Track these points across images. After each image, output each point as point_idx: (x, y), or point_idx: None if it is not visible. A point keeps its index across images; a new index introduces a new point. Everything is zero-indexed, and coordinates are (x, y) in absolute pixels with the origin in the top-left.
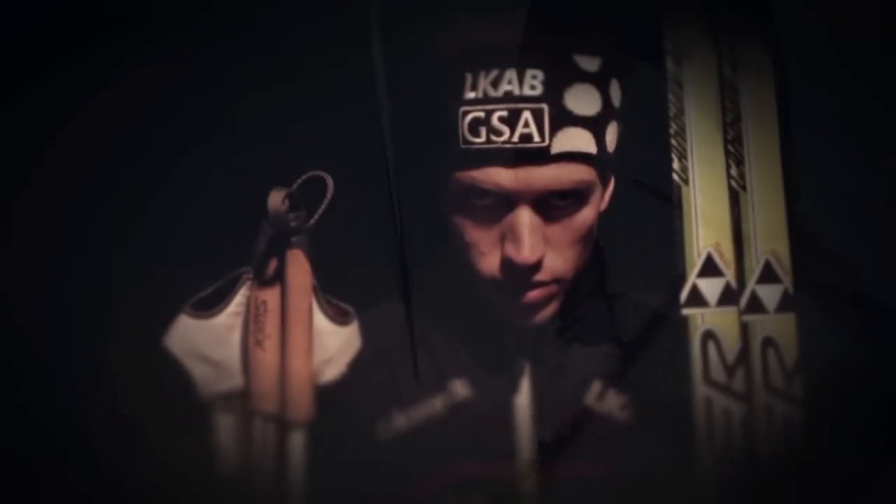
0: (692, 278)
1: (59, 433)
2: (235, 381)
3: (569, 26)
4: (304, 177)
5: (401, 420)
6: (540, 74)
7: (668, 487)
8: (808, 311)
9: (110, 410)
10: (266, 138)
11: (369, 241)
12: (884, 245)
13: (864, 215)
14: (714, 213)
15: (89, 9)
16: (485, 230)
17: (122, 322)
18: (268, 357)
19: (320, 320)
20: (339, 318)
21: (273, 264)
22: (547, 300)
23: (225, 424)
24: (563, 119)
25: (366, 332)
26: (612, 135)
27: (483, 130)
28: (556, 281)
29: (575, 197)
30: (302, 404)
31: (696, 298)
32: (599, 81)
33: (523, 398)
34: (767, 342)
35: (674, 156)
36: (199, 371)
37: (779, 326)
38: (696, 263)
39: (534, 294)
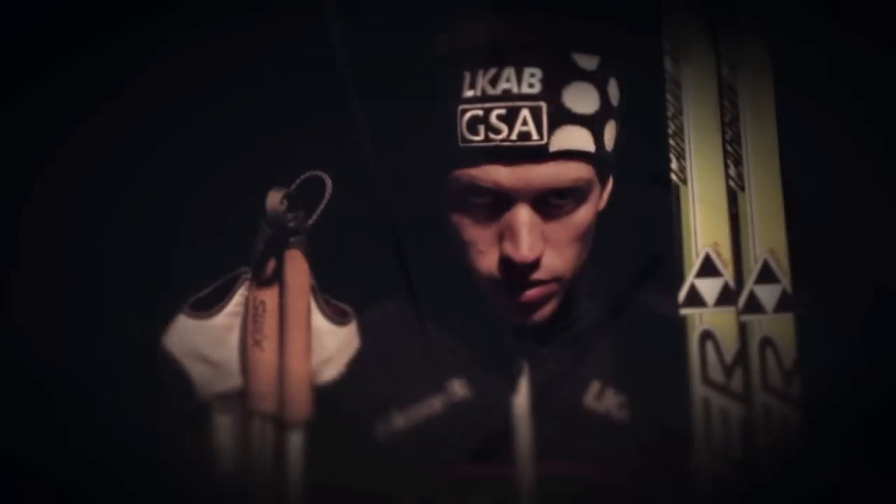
0: (690, 278)
1: (59, 433)
2: (234, 381)
3: (567, 25)
4: (302, 177)
5: (399, 420)
6: (538, 73)
7: (666, 487)
8: (808, 310)
9: (109, 410)
10: (265, 138)
11: (367, 241)
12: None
13: (859, 211)
14: (712, 213)
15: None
16: (483, 229)
17: (120, 322)
18: (266, 357)
19: (319, 320)
20: (338, 318)
21: (272, 264)
22: (545, 299)
23: (223, 424)
24: (561, 117)
25: (364, 332)
26: (610, 133)
27: (481, 129)
28: (555, 279)
29: (573, 195)
30: (300, 404)
31: (695, 298)
32: (598, 80)
33: (522, 398)
34: (766, 342)
35: (672, 156)
36: (197, 371)
37: (777, 326)
38: (694, 263)
39: (532, 293)
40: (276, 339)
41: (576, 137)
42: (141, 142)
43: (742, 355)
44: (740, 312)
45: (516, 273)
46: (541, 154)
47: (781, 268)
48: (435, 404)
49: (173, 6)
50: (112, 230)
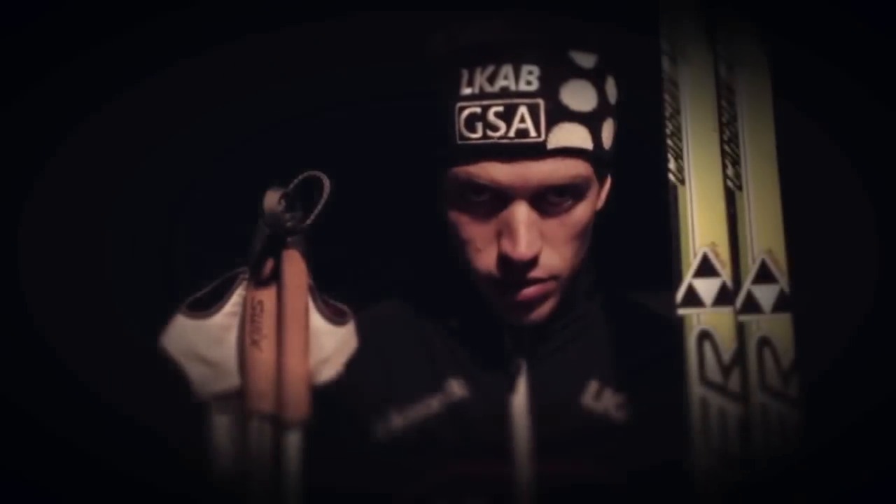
0: (688, 278)
1: (57, 432)
2: (232, 381)
3: (565, 24)
4: (300, 177)
5: (397, 420)
6: (536, 70)
7: (663, 487)
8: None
9: (108, 410)
10: (263, 138)
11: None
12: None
13: (856, 210)
14: (710, 213)
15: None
16: (481, 227)
17: (119, 321)
18: (264, 357)
19: (317, 320)
20: (336, 318)
21: (269, 264)
22: (543, 297)
23: (221, 424)
24: (559, 114)
25: (362, 332)
26: (608, 132)
27: (479, 126)
28: (553, 278)
29: (571, 193)
30: (298, 404)
31: (692, 298)
32: (595, 78)
33: (520, 397)
34: (763, 342)
35: (670, 156)
36: (195, 371)
37: (775, 326)
38: (691, 263)
39: (530, 291)
40: (273, 339)
41: (574, 135)
42: (140, 141)
43: (740, 355)
44: (738, 312)
45: (514, 271)
46: (539, 151)
47: (779, 268)
48: (433, 404)
49: (173, 6)
50: (111, 230)
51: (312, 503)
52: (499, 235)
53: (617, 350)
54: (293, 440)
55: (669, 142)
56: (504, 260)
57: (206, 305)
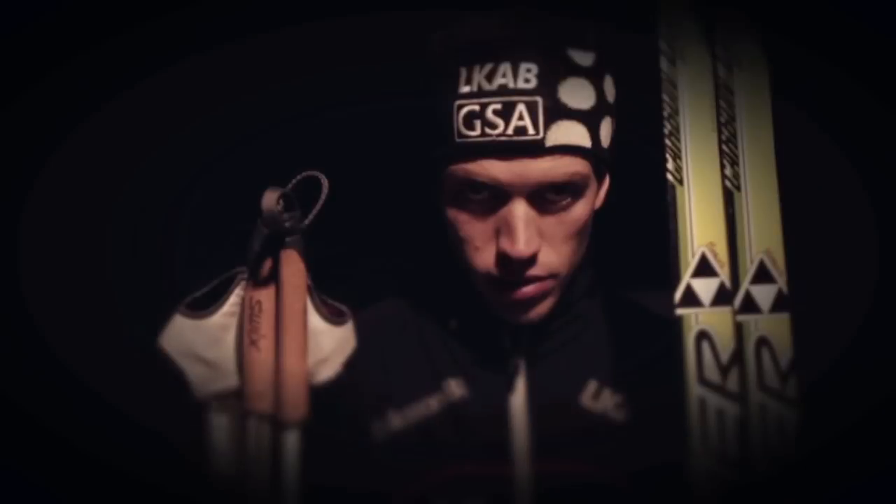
0: (686, 278)
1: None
2: (230, 381)
3: (563, 23)
4: (298, 177)
5: (396, 420)
6: (534, 68)
7: (661, 487)
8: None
9: (107, 409)
10: (262, 138)
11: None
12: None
13: (855, 210)
14: (708, 213)
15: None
16: (479, 225)
17: (118, 321)
18: (263, 357)
19: (315, 320)
20: (334, 318)
21: (268, 264)
22: (542, 296)
23: (220, 424)
24: (557, 112)
25: (361, 332)
26: (606, 130)
27: (478, 124)
28: (551, 276)
29: (570, 190)
30: (297, 404)
31: (691, 298)
32: (594, 76)
33: (518, 397)
34: (762, 342)
35: (668, 156)
36: (193, 371)
37: (773, 326)
38: (690, 263)
39: (529, 289)
40: (272, 339)
41: (572, 132)
42: (140, 141)
43: (738, 355)
44: (736, 312)
45: (513, 269)
46: (537, 149)
47: (777, 268)
48: (432, 404)
49: (173, 6)
50: (110, 229)
51: (311, 503)
52: (497, 233)
53: (615, 350)
54: (291, 440)
55: (668, 142)
56: (503, 258)
57: (205, 305)
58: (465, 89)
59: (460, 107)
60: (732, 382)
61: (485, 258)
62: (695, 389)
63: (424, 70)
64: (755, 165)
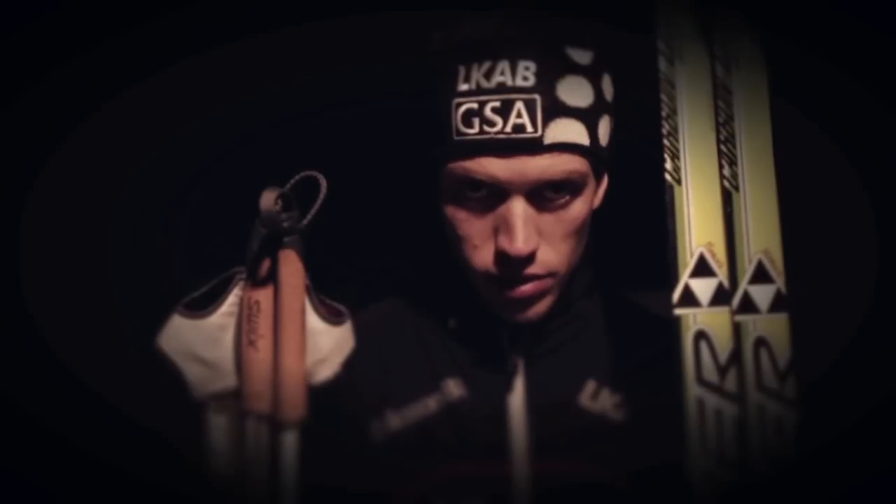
0: (684, 278)
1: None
2: (229, 381)
3: (562, 22)
4: (297, 177)
5: (394, 420)
6: (532, 65)
7: (660, 487)
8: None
9: (106, 409)
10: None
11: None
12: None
13: (853, 210)
14: (707, 212)
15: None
16: (478, 223)
17: (118, 321)
18: (261, 357)
19: (313, 320)
20: (333, 318)
21: (266, 264)
22: (541, 294)
23: (218, 424)
24: (555, 110)
25: (359, 332)
26: (604, 128)
27: (476, 122)
28: (550, 274)
29: (568, 188)
30: (295, 404)
31: (689, 298)
32: (592, 74)
33: (517, 397)
34: (760, 342)
35: (666, 156)
36: (192, 371)
37: (771, 327)
38: (688, 263)
39: (527, 288)
40: (270, 339)
41: (570, 130)
42: (140, 141)
43: (736, 355)
44: (734, 312)
45: (511, 267)
46: (535, 146)
47: (776, 268)
48: (430, 404)
49: (173, 6)
50: (110, 229)
51: (309, 503)
52: (496, 232)
53: (614, 350)
54: (290, 440)
55: (666, 142)
56: (501, 256)
57: (203, 305)
58: (464, 87)
59: (459, 105)
60: (731, 382)
61: (483, 256)
62: (693, 389)
63: (423, 69)
64: (753, 165)
